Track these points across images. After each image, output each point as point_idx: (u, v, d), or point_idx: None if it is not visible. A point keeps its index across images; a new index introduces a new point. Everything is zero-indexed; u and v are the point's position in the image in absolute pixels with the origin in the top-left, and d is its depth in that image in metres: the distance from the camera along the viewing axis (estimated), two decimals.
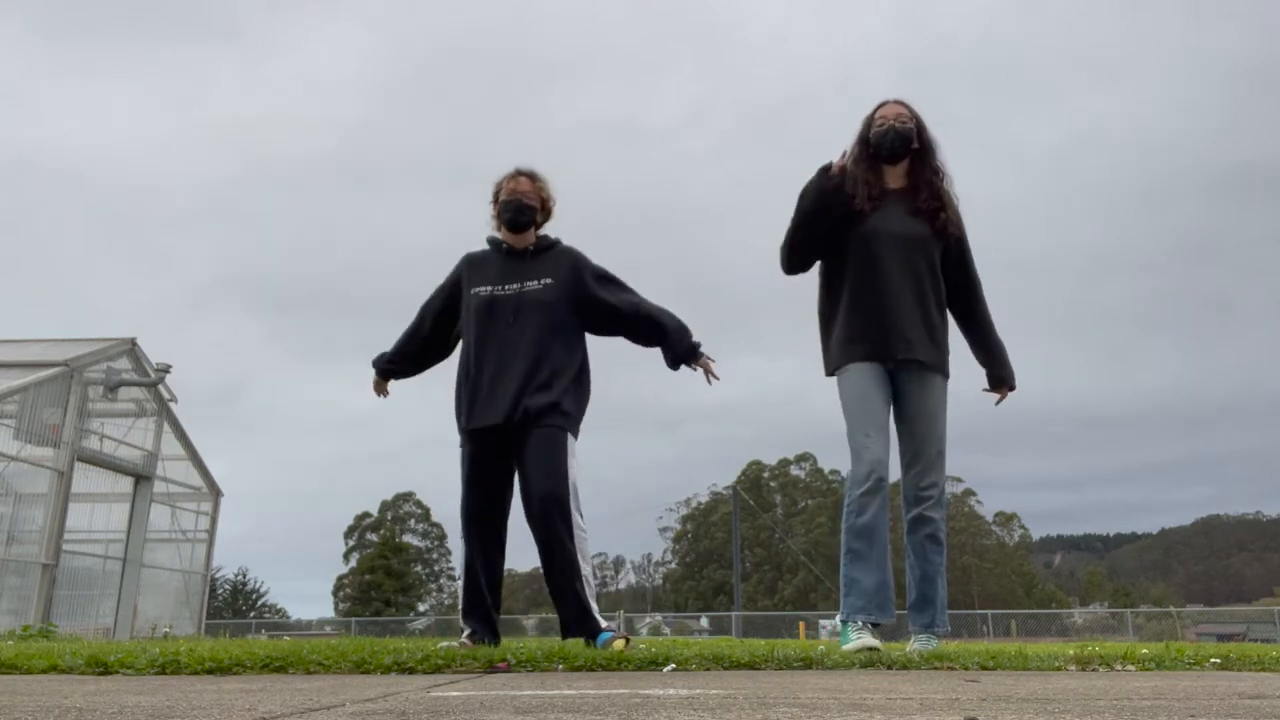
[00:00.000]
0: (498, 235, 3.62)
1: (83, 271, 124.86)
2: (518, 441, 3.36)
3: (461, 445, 3.47)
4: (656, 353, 3.58)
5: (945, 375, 3.37)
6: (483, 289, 3.49)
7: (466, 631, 3.41)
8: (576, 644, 3.20)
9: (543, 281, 3.47)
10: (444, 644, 3.13)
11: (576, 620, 3.28)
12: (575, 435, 3.42)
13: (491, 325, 3.42)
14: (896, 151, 3.39)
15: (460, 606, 3.49)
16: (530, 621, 36.84)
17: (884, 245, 3.31)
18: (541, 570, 3.42)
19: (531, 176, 3.58)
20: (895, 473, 3.31)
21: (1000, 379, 3.54)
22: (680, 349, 3.50)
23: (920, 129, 3.42)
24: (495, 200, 3.58)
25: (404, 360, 3.75)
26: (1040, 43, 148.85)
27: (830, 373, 3.41)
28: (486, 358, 3.39)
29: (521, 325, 3.39)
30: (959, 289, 3.47)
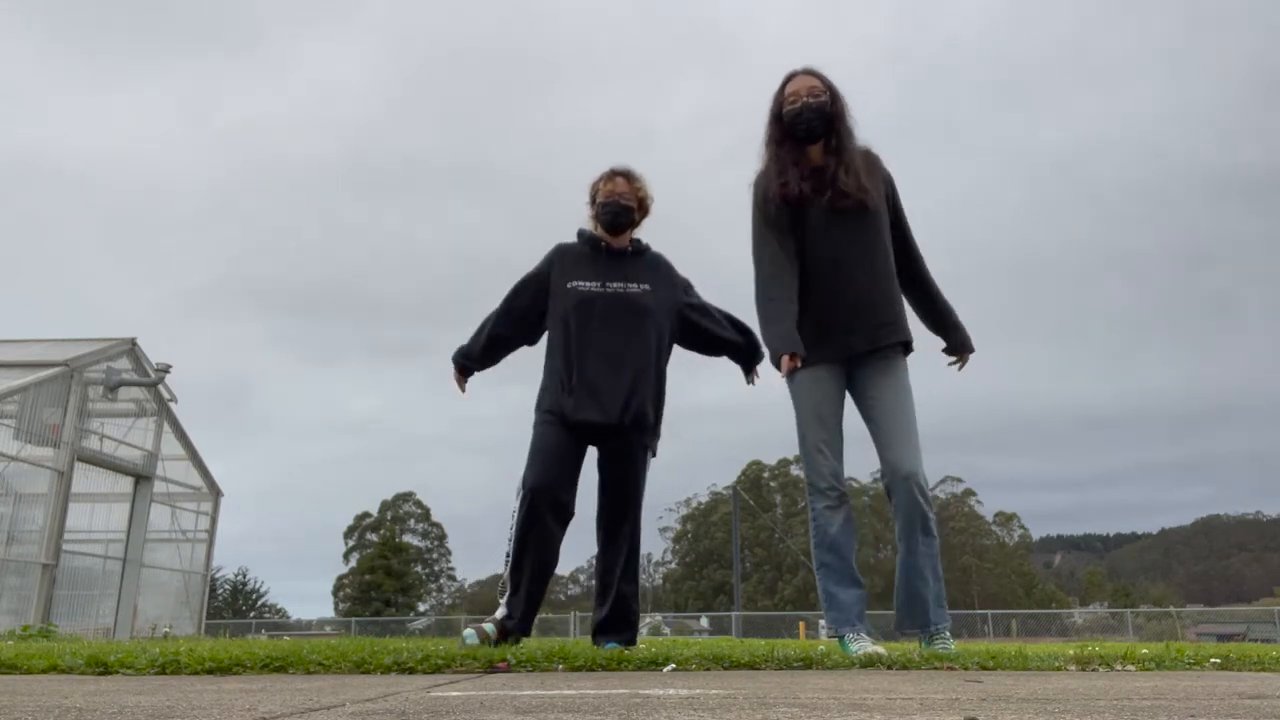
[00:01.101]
0: (592, 231, 3.60)
1: (86, 273, 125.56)
2: (614, 446, 3.39)
3: (545, 424, 3.38)
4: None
5: (910, 349, 3.23)
6: (583, 284, 3.45)
7: (504, 613, 3.27)
8: (577, 644, 3.20)
9: (642, 286, 3.48)
10: (471, 632, 3.15)
11: (616, 627, 3.38)
12: (655, 453, 3.54)
13: (594, 322, 3.39)
14: (815, 129, 3.18)
15: (521, 606, 3.28)
16: None
17: (830, 233, 3.14)
18: (602, 579, 3.46)
19: (628, 176, 3.57)
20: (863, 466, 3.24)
21: (960, 344, 3.31)
22: (748, 365, 3.74)
23: (834, 99, 3.21)
24: (592, 201, 3.58)
25: (494, 345, 3.65)
26: (1043, 49, 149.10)
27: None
28: (590, 355, 3.36)
29: (628, 327, 3.40)
30: (898, 255, 3.28)
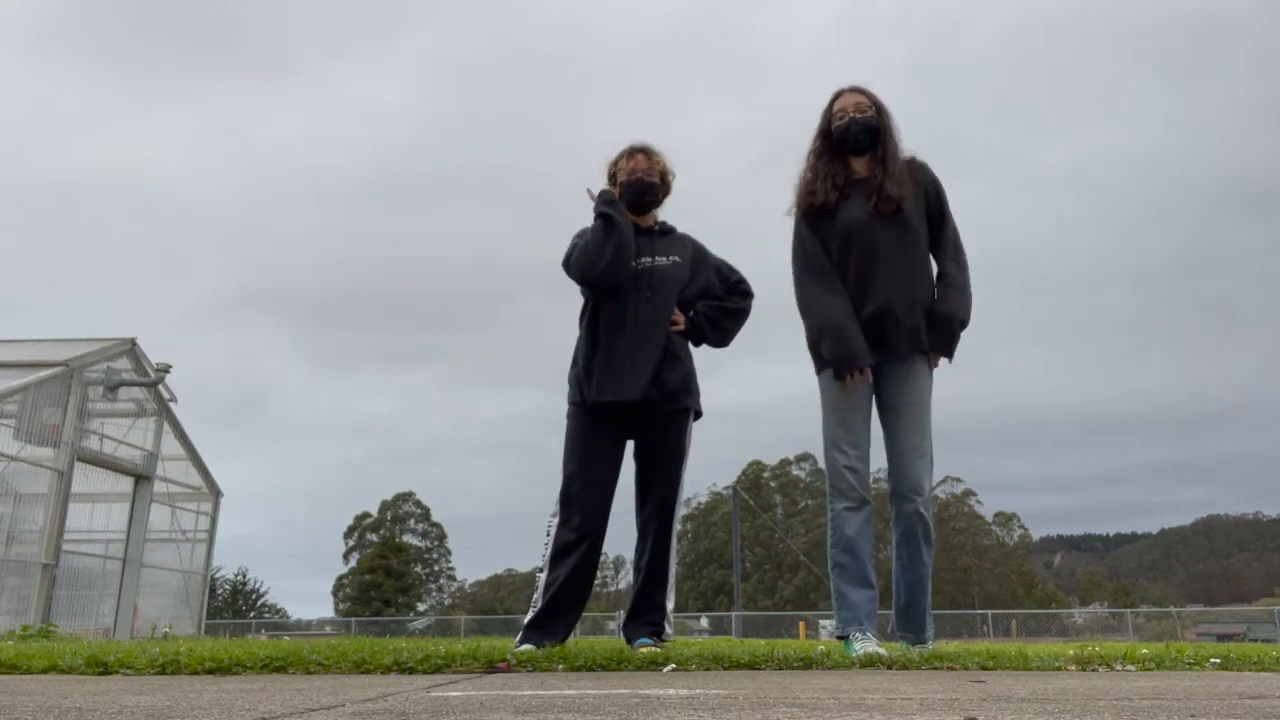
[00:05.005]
0: None
1: (113, 281, 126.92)
2: (648, 421, 3.30)
3: (574, 416, 3.34)
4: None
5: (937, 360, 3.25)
6: None
7: (525, 647, 2.97)
8: (577, 644, 3.18)
9: (671, 259, 3.40)
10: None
11: (647, 618, 3.33)
12: (699, 413, 3.44)
13: (624, 297, 3.30)
14: (861, 142, 3.28)
15: (538, 610, 3.19)
16: None
17: (865, 238, 3.21)
18: (635, 565, 3.39)
19: (648, 153, 3.46)
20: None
21: (933, 342, 3.20)
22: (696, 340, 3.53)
23: (880, 113, 3.30)
24: (612, 180, 3.48)
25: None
26: (1051, 68, 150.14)
27: (818, 372, 3.32)
28: (620, 329, 3.27)
29: (656, 301, 3.31)
30: (936, 250, 3.32)
